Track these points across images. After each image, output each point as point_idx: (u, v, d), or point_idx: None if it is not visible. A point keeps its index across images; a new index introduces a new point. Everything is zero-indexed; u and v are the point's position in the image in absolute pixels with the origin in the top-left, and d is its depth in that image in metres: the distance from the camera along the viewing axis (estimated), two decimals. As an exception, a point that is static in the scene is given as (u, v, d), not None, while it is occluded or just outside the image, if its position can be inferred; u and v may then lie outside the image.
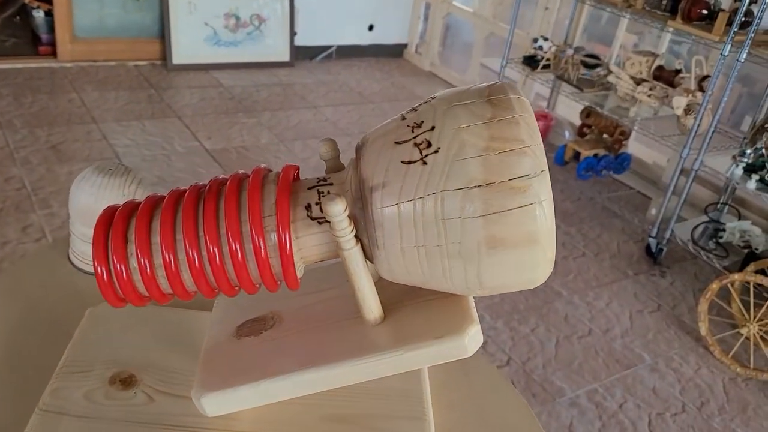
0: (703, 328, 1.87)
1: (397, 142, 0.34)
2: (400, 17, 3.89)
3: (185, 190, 0.37)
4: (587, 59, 2.55)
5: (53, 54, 3.08)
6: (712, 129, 2.02)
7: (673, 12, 2.17)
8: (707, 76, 2.17)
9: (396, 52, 3.98)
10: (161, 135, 2.62)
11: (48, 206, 2.07)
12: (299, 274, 0.37)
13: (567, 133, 2.82)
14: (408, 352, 0.36)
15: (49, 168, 2.28)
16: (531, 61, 2.71)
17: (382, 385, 0.40)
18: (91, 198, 0.50)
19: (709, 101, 2.03)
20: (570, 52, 2.56)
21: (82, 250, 0.54)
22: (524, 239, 0.32)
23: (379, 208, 0.34)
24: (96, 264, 0.35)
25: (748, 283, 1.82)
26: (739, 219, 2.29)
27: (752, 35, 1.88)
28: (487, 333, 1.81)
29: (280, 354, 0.39)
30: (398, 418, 0.42)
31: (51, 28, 3.06)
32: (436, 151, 0.33)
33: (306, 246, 0.36)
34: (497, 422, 0.48)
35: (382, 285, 0.39)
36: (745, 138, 2.13)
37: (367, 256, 0.36)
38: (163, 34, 3.22)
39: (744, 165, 2.04)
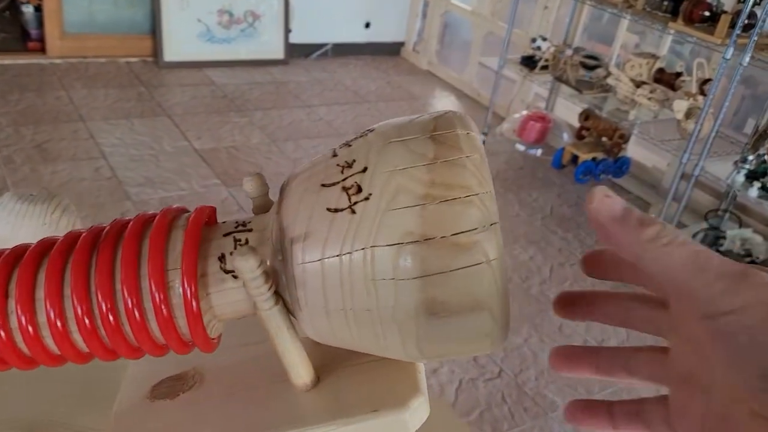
0: (701, 340, 1.81)
1: (323, 185, 0.28)
2: (398, 15, 3.83)
3: (81, 233, 0.32)
4: (587, 60, 2.49)
5: (42, 50, 3.02)
6: (713, 134, 1.96)
7: (674, 13, 2.10)
8: (709, 80, 2.11)
9: (393, 50, 3.92)
10: (150, 134, 2.57)
11: (30, 208, 2.02)
12: (213, 334, 0.32)
13: (565, 136, 2.76)
14: (340, 427, 0.31)
15: (33, 168, 2.23)
16: (529, 62, 2.66)
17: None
18: (7, 227, 0.45)
19: (710, 105, 1.97)
20: (569, 52, 2.50)
21: None
22: (469, 305, 0.27)
23: (300, 264, 0.28)
24: (-29, 322, 0.30)
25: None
26: (741, 226, 2.23)
27: (755, 38, 1.83)
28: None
29: (196, 423, 0.33)
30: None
31: (40, 24, 3.00)
32: (366, 198, 0.27)
33: (219, 303, 0.30)
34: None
35: (314, 342, 0.33)
36: (747, 144, 2.07)
37: (291, 312, 0.30)
38: (154, 30, 3.16)
39: (746, 172, 1.98)
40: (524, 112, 2.80)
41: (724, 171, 2.07)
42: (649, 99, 2.24)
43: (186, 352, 0.32)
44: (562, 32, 2.85)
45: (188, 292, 0.29)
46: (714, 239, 2.20)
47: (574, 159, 2.57)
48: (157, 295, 0.29)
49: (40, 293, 0.30)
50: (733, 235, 2.14)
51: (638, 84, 2.28)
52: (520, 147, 2.74)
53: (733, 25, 1.89)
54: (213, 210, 0.32)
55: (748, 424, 0.24)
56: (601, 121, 2.49)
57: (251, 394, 0.34)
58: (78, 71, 3.02)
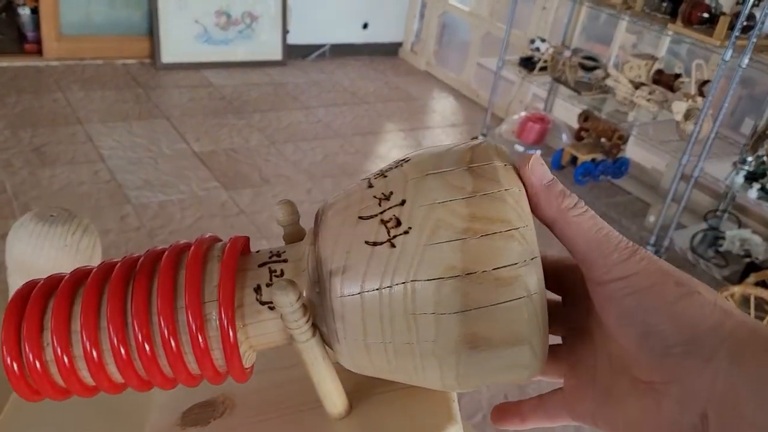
0: (702, 342, 1.82)
1: (361, 218, 0.28)
2: (396, 15, 3.83)
3: (116, 263, 0.31)
4: (585, 61, 2.49)
5: (39, 52, 3.01)
6: (712, 135, 1.97)
7: (673, 14, 2.11)
8: (708, 81, 2.12)
9: (391, 51, 3.91)
10: (148, 137, 2.56)
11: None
12: (248, 364, 0.32)
13: (564, 137, 2.77)
14: (376, 456, 0.31)
15: (31, 171, 2.22)
16: (528, 63, 2.66)
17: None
18: (28, 248, 0.45)
19: (709, 107, 1.97)
20: (567, 53, 2.50)
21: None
22: (510, 340, 0.27)
23: (339, 297, 0.28)
24: (5, 353, 0.30)
25: (749, 295, 1.77)
26: (740, 227, 2.24)
27: (754, 40, 1.83)
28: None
29: (228, 450, 0.33)
30: None
31: (37, 26, 2.99)
32: (406, 232, 0.27)
33: (255, 335, 0.31)
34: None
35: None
36: (746, 144, 2.08)
37: (327, 343, 0.31)
38: (152, 31, 3.15)
39: (745, 173, 1.98)
40: (523, 114, 2.80)
41: (723, 172, 2.07)
42: (648, 100, 2.24)
43: (220, 383, 0.32)
44: (560, 33, 2.86)
45: (226, 324, 0.29)
46: (713, 239, 2.21)
47: (574, 160, 2.58)
48: (194, 327, 0.29)
49: (76, 325, 0.30)
50: (732, 235, 2.15)
51: (637, 85, 2.28)
52: (519, 148, 2.74)
53: (732, 27, 1.90)
54: (246, 240, 0.32)
55: (630, 392, 0.27)
56: (600, 122, 2.50)
57: (283, 420, 0.34)
58: (75, 73, 3.01)
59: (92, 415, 0.41)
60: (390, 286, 0.27)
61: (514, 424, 0.33)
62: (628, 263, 0.27)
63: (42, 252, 0.44)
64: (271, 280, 0.30)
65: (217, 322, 0.29)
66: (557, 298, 0.33)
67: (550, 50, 2.60)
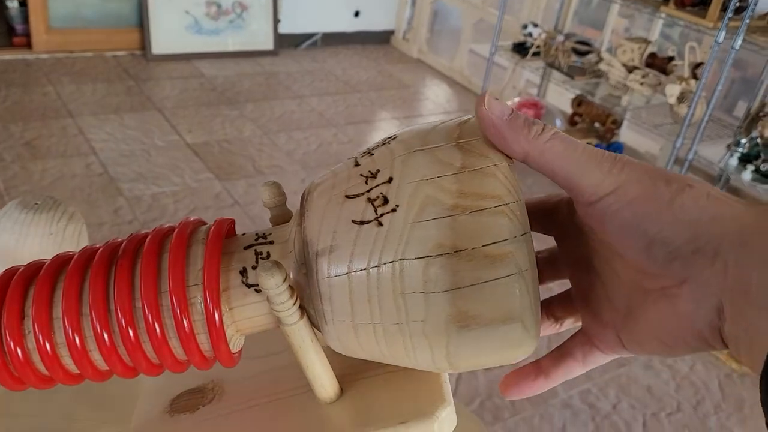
0: (698, 324, 1.83)
1: (347, 196, 0.28)
2: (387, 3, 3.81)
3: (98, 249, 0.31)
4: (578, 46, 2.48)
5: (28, 45, 2.98)
6: (706, 118, 1.96)
7: (666, -3, 2.10)
8: (701, 63, 2.11)
9: (383, 39, 3.89)
10: (140, 129, 2.54)
11: (21, 206, 2.00)
12: (235, 348, 0.31)
13: (558, 122, 2.76)
14: (368, 438, 0.30)
15: (23, 165, 2.20)
16: (520, 49, 2.64)
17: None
18: (12, 237, 0.44)
19: (703, 89, 1.97)
20: (560, 38, 2.49)
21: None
22: (501, 317, 0.26)
23: (326, 278, 0.27)
24: (-13, 343, 0.29)
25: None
26: (734, 209, 2.24)
27: (747, 21, 1.82)
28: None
29: (218, 437, 0.33)
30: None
31: (26, 19, 2.96)
32: (393, 210, 0.26)
33: (242, 318, 0.30)
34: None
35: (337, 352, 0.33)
36: (739, 127, 2.07)
37: (315, 326, 0.30)
38: (142, 23, 3.12)
39: (739, 155, 1.98)
40: (516, 99, 2.79)
41: (717, 154, 2.07)
42: (641, 84, 2.24)
43: (207, 368, 0.31)
44: (552, 18, 2.84)
45: (211, 307, 0.29)
46: (708, 223, 2.21)
47: (568, 145, 2.57)
48: (178, 311, 0.28)
49: (58, 312, 0.29)
50: (727, 218, 2.15)
51: (630, 69, 2.28)
52: (513, 134, 2.73)
53: (724, 8, 1.89)
54: (232, 222, 0.32)
55: (647, 303, 0.27)
56: (594, 106, 2.49)
57: (274, 406, 0.34)
58: (65, 66, 2.98)
59: (78, 403, 0.40)
60: (378, 266, 0.26)
61: (537, 386, 0.32)
62: (613, 176, 0.26)
63: (27, 240, 0.44)
64: (257, 262, 0.30)
65: (202, 306, 0.29)
66: (552, 245, 0.33)
67: (543, 35, 2.58)
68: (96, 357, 0.30)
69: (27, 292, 0.30)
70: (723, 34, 1.86)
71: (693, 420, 1.60)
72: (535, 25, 2.66)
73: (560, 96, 2.83)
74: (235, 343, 0.31)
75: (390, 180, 0.27)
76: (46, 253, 0.45)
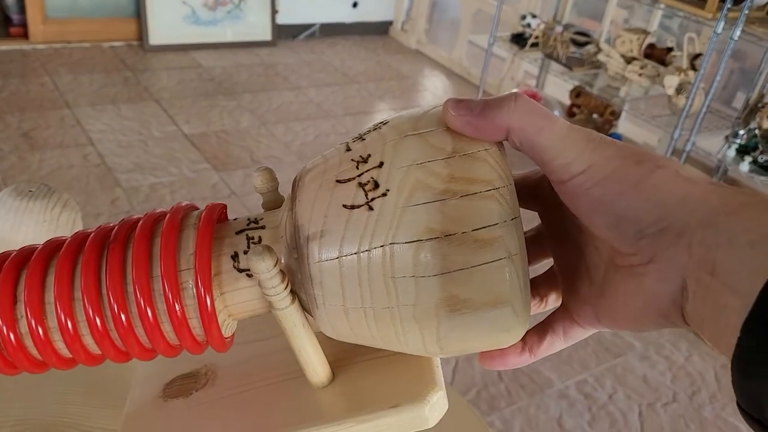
0: (695, 315, 1.83)
1: (338, 181, 0.28)
2: (385, -7, 3.79)
3: (89, 234, 0.31)
4: (577, 37, 2.47)
5: (25, 35, 2.97)
6: (704, 109, 1.96)
7: (664, -12, 2.09)
8: (699, 54, 2.11)
9: (381, 29, 3.88)
10: (138, 119, 2.54)
11: (19, 197, 1.99)
12: (227, 333, 0.31)
13: (556, 113, 2.76)
14: (359, 423, 0.30)
15: (20, 156, 2.20)
16: (519, 39, 2.64)
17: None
18: (7, 225, 0.44)
19: (701, 80, 1.96)
20: (559, 29, 2.48)
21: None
22: (491, 300, 0.26)
23: (317, 262, 0.27)
24: (-21, 327, 0.29)
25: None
26: (731, 201, 2.24)
27: (746, 12, 1.82)
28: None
29: (212, 421, 0.33)
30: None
31: (22, 9, 2.94)
32: (384, 194, 0.27)
33: (233, 302, 0.30)
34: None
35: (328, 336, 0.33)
36: (738, 118, 2.07)
37: (307, 310, 0.30)
38: (139, 13, 3.11)
39: (737, 146, 1.98)
40: (515, 90, 2.78)
41: (715, 146, 2.07)
42: (640, 75, 2.23)
43: (200, 353, 0.31)
44: (551, 8, 2.83)
45: (203, 292, 0.29)
46: (705, 214, 2.21)
47: (566, 136, 2.57)
48: (170, 296, 0.29)
49: (50, 297, 0.29)
50: (725, 209, 2.15)
51: (629, 60, 2.27)
52: (511, 125, 2.73)
53: (723, -1, 1.88)
54: (224, 207, 0.32)
55: (618, 279, 0.27)
56: (592, 98, 2.49)
57: (266, 390, 0.34)
58: (62, 57, 2.97)
59: (72, 388, 0.40)
60: (368, 250, 0.27)
61: (522, 360, 0.32)
62: (585, 155, 0.26)
63: (21, 228, 0.44)
64: (248, 247, 0.30)
65: (194, 291, 0.29)
66: (537, 224, 0.34)
67: (542, 26, 2.58)
68: (88, 341, 0.30)
69: (19, 277, 0.30)
70: (722, 24, 1.86)
71: (689, 410, 1.61)
72: (534, 16, 2.66)
73: (559, 87, 2.82)
74: (228, 328, 0.31)
75: (381, 165, 0.27)
76: (40, 240, 0.45)
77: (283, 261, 0.29)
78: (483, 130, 0.27)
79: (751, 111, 2.02)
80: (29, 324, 0.29)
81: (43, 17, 2.97)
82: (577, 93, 2.55)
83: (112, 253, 0.29)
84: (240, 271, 0.29)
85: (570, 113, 2.63)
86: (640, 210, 0.25)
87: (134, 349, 0.30)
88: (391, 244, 0.26)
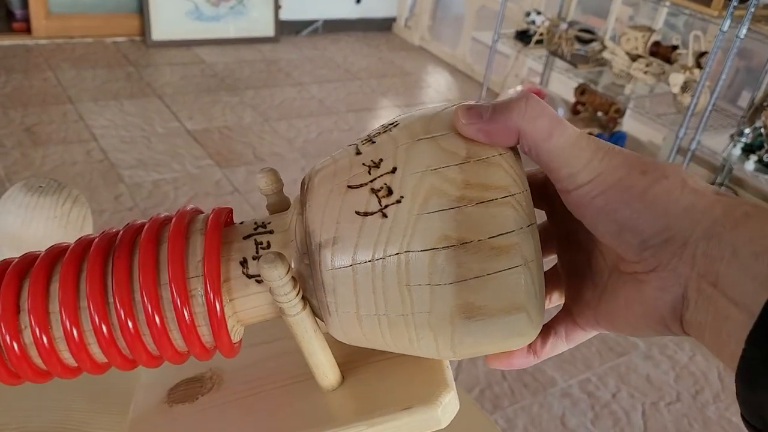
0: (699, 314, 1.82)
1: (350, 186, 0.27)
2: (389, -11, 3.77)
3: (93, 240, 0.30)
4: (582, 34, 2.46)
5: (28, 30, 2.96)
6: (709, 108, 1.95)
7: (670, -15, 2.08)
8: (705, 53, 2.10)
9: (384, 26, 3.86)
10: (140, 115, 2.53)
11: (21, 193, 1.99)
12: (236, 338, 0.31)
13: (561, 111, 2.75)
14: (371, 426, 0.30)
15: (24, 152, 2.19)
16: (523, 36, 2.63)
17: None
18: (17, 221, 0.43)
19: (707, 78, 1.95)
20: (564, 26, 2.47)
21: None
22: (507, 307, 0.26)
23: (330, 270, 0.27)
24: (-18, 335, 0.29)
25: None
26: (736, 199, 2.23)
27: (752, 10, 1.80)
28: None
29: (220, 426, 0.32)
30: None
31: (25, 4, 2.94)
32: (398, 201, 0.26)
33: (243, 308, 0.29)
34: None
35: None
36: (743, 116, 2.06)
37: (318, 315, 0.29)
38: (142, 8, 3.10)
39: (742, 145, 1.97)
40: (519, 88, 2.77)
41: (720, 144, 2.06)
42: (645, 73, 2.22)
43: (208, 359, 0.31)
44: (556, 5, 2.82)
45: (212, 299, 0.28)
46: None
47: (570, 134, 2.56)
48: (179, 303, 0.28)
49: (55, 306, 0.29)
50: (729, 208, 2.14)
51: (634, 57, 2.26)
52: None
53: (730, -3, 1.87)
54: (230, 211, 0.31)
55: (620, 285, 0.28)
56: (597, 95, 2.48)
57: (274, 394, 0.33)
58: (65, 52, 2.97)
59: (74, 394, 0.40)
60: (383, 258, 0.26)
61: (526, 361, 0.32)
62: (592, 165, 0.26)
63: (31, 224, 0.43)
64: (257, 252, 0.29)
65: (203, 298, 0.28)
66: (543, 220, 0.33)
67: (546, 23, 2.56)
68: (95, 350, 0.29)
69: (22, 286, 0.29)
70: (728, 22, 1.85)
71: (692, 409, 1.60)
72: (539, 13, 2.64)
73: (563, 84, 2.81)
74: (236, 334, 0.31)
75: (394, 170, 0.26)
76: (51, 236, 0.45)
77: (293, 266, 0.29)
78: (495, 136, 0.26)
79: (757, 109, 2.01)
80: (34, 334, 0.28)
81: (46, 12, 2.96)
82: (581, 90, 2.54)
83: (118, 260, 0.29)
84: (249, 277, 0.29)
85: (574, 111, 2.62)
86: (644, 220, 0.25)
87: (141, 357, 0.29)
88: (406, 252, 0.26)
